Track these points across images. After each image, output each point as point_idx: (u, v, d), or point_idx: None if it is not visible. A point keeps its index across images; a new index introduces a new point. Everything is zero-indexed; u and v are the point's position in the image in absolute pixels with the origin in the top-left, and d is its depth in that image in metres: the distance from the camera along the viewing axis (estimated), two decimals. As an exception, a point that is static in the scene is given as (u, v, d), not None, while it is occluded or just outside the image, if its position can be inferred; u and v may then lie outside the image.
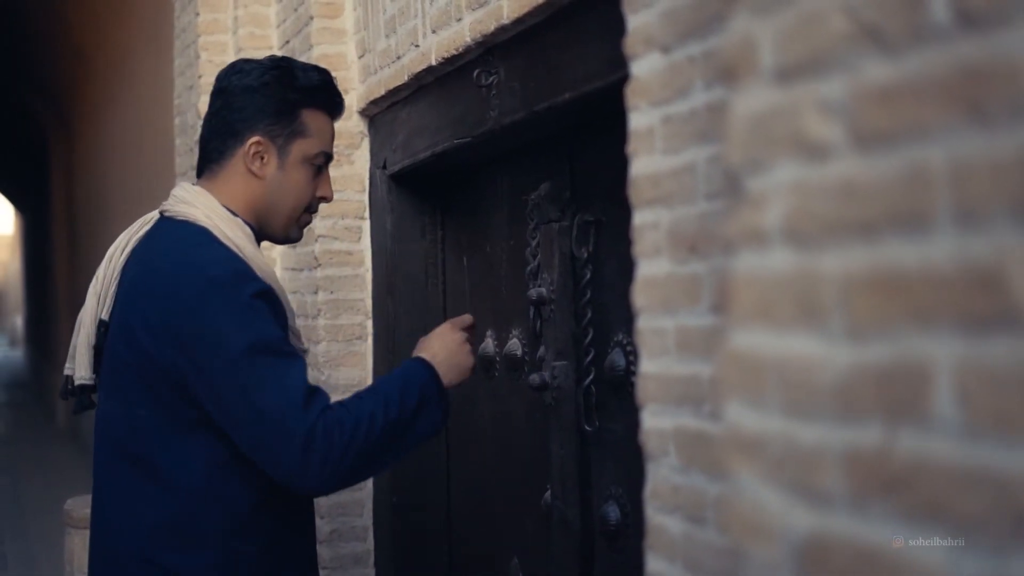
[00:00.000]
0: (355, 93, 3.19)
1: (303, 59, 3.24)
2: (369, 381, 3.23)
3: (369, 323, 3.24)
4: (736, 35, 1.06)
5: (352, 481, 2.08)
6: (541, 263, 2.50)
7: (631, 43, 1.54)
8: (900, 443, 0.86)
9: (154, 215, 2.21)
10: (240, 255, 2.06)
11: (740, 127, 1.05)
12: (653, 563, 1.51)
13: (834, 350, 0.93)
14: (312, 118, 2.18)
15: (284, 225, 2.21)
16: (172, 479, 2.03)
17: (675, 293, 1.48)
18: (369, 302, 3.24)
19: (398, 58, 2.89)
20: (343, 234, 3.22)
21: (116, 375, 2.10)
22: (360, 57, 3.19)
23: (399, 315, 3.14)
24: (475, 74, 2.52)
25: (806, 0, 0.97)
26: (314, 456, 1.93)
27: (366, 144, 3.24)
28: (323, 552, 3.04)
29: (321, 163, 2.21)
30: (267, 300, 2.01)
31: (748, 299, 1.04)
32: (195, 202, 2.12)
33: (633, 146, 1.54)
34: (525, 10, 2.24)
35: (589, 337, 2.38)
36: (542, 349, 2.52)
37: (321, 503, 3.09)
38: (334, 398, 3.22)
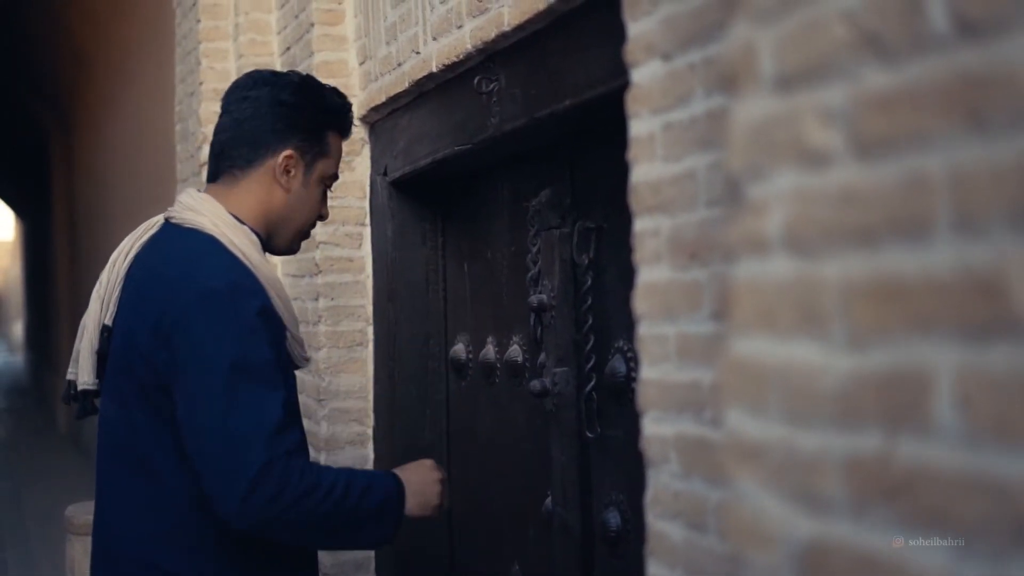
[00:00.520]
0: (356, 100, 3.20)
1: (303, 66, 3.25)
2: (370, 387, 3.24)
3: (370, 329, 3.24)
4: (736, 43, 1.06)
5: (277, 533, 2.00)
6: (542, 270, 2.51)
7: (632, 50, 1.54)
8: (900, 450, 0.86)
9: (158, 219, 2.22)
10: (246, 263, 2.08)
11: (740, 134, 1.05)
12: (654, 569, 1.51)
13: (834, 357, 0.93)
14: (334, 140, 2.27)
15: (292, 238, 2.27)
16: (172, 483, 2.03)
17: (676, 300, 1.48)
18: (370, 308, 3.24)
19: (399, 65, 2.89)
20: (344, 241, 3.23)
21: (118, 379, 2.11)
22: (361, 64, 3.20)
23: (400, 321, 3.14)
24: (476, 81, 2.52)
25: (806, 8, 0.97)
26: (262, 490, 1.91)
27: (367, 151, 3.25)
28: (324, 558, 3.04)
29: (330, 184, 2.29)
30: (264, 317, 2.02)
31: (749, 306, 1.04)
32: (201, 209, 2.14)
33: (634, 153, 1.55)
34: (526, 17, 2.24)
35: (590, 344, 2.38)
36: (543, 355, 2.52)
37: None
38: (335, 404, 3.23)
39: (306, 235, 2.31)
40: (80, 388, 2.20)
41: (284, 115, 2.19)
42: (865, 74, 0.91)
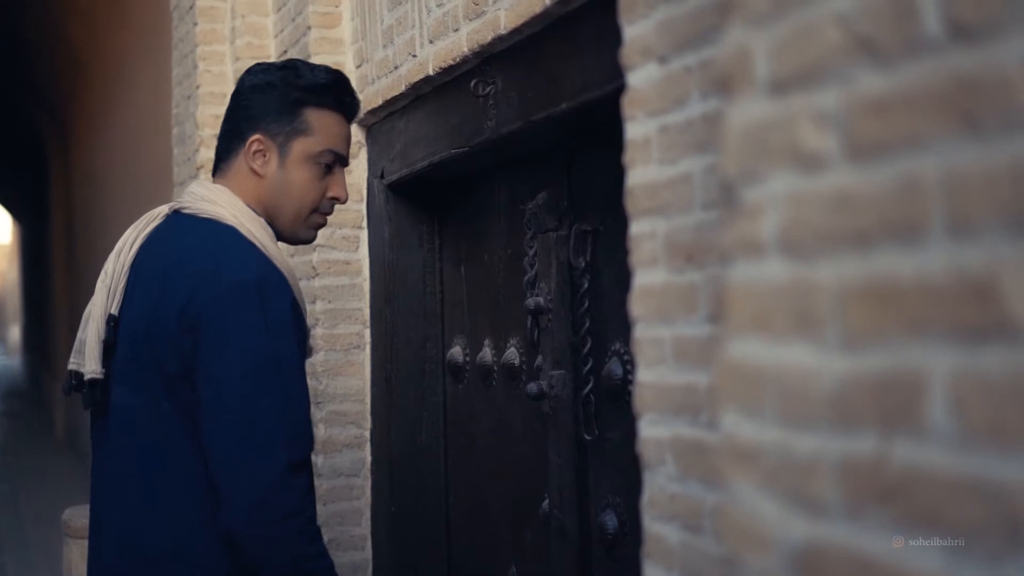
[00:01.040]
0: (353, 103, 3.20)
1: (301, 69, 3.24)
2: (367, 390, 3.24)
3: (367, 332, 3.24)
4: (731, 46, 1.06)
5: (275, 554, 1.95)
6: (539, 272, 2.51)
7: (628, 53, 1.55)
8: (895, 452, 0.86)
9: (161, 210, 2.20)
10: (266, 254, 2.06)
11: (735, 138, 1.06)
12: (651, 571, 1.51)
13: (829, 360, 0.93)
14: (317, 117, 2.17)
15: (291, 224, 2.19)
16: (198, 472, 2.01)
17: (672, 302, 1.48)
18: (367, 311, 3.24)
19: (396, 68, 2.90)
20: (341, 244, 3.22)
21: (139, 369, 2.08)
22: (358, 67, 3.20)
23: (397, 324, 3.15)
24: (472, 84, 2.52)
25: (800, 12, 0.97)
26: (282, 499, 1.91)
27: (364, 154, 3.25)
28: (321, 561, 3.04)
29: (329, 162, 2.19)
30: (294, 312, 2.02)
31: (744, 309, 1.04)
32: (219, 200, 2.12)
33: (630, 156, 1.55)
34: (522, 20, 2.25)
35: (587, 346, 2.38)
36: (540, 358, 2.52)
37: (319, 511, 3.09)
38: (332, 407, 3.23)
39: (314, 221, 2.23)
40: (88, 377, 2.16)
41: (255, 100, 2.16)
42: (859, 77, 0.91)
